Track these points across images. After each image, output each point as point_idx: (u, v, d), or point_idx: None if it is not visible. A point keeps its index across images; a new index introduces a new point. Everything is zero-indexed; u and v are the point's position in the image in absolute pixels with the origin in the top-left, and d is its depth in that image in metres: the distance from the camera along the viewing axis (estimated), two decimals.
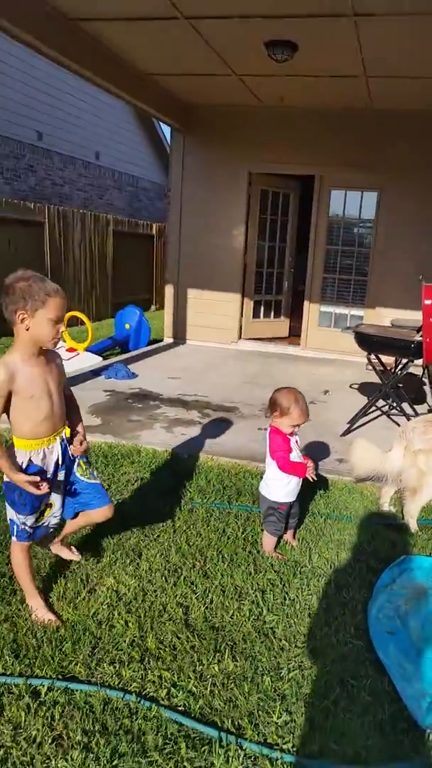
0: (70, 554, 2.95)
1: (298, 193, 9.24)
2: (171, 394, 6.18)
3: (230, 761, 1.92)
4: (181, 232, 8.89)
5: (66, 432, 2.54)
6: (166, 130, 19.19)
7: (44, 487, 2.36)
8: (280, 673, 2.33)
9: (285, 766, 1.92)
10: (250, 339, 9.15)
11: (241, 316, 9.07)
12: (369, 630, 2.59)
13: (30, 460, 2.41)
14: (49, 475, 2.47)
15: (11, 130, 12.10)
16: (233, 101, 7.99)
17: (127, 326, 8.80)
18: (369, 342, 5.12)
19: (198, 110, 8.40)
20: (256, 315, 9.30)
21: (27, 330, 2.25)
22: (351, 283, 8.61)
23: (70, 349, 7.57)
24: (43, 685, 2.21)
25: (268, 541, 3.21)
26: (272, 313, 9.52)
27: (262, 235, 9.01)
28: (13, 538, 2.53)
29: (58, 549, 2.93)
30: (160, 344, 9.11)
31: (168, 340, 9.31)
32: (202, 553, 3.16)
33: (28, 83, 12.27)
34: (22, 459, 2.40)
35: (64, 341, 7.66)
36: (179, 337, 9.25)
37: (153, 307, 14.31)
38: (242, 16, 5.07)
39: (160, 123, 17.39)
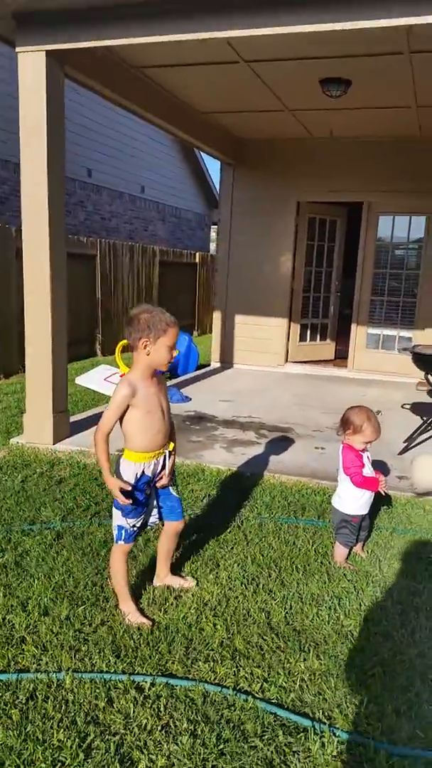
0: (183, 582, 3.08)
1: (345, 219, 9.48)
2: (225, 416, 6.40)
3: (326, 746, 2.09)
4: (230, 261, 9.22)
5: (170, 446, 2.82)
6: (208, 161, 19.82)
7: (128, 500, 2.63)
8: (363, 668, 2.49)
9: (376, 751, 2.07)
10: (296, 362, 9.35)
11: (288, 339, 9.29)
12: None
13: (143, 471, 2.70)
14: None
15: (65, 168, 12.72)
16: (284, 135, 8.32)
17: (176, 352, 9.07)
18: (426, 361, 5.27)
19: (248, 144, 8.77)
20: (302, 338, 9.51)
21: (148, 355, 2.56)
22: (399, 305, 8.76)
23: (123, 375, 7.88)
24: (146, 681, 2.41)
25: (339, 551, 3.37)
26: (318, 337, 9.72)
27: (309, 260, 9.26)
28: (120, 542, 2.78)
29: (169, 580, 3.08)
30: (208, 368, 9.38)
31: (215, 364, 9.57)
32: (276, 564, 3.34)
33: (78, 122, 12.93)
34: (136, 470, 2.68)
35: (118, 367, 8.02)
36: (226, 361, 9.51)
37: (195, 333, 14.66)
38: (300, 57, 5.37)
39: (203, 155, 18.00)
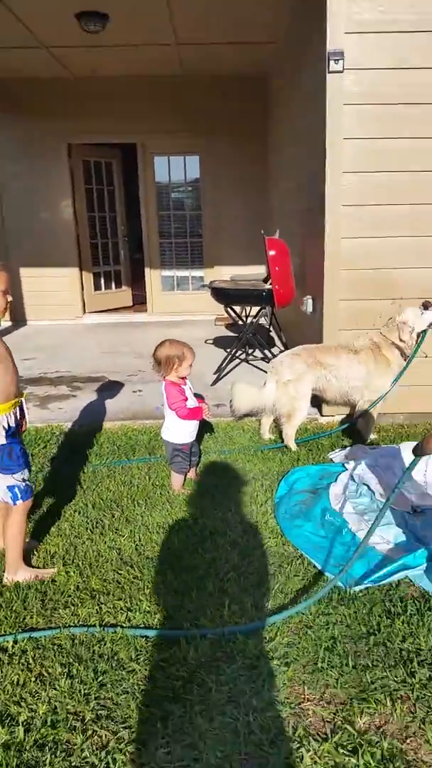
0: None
1: (121, 161, 9.33)
2: (31, 374, 6.12)
3: (198, 649, 2.22)
4: (4, 210, 8.58)
5: (24, 394, 2.74)
6: None
7: None
8: (219, 576, 2.66)
9: (242, 638, 2.26)
10: (95, 312, 9.19)
11: (82, 290, 9.06)
12: (281, 528, 3.02)
13: (8, 422, 2.57)
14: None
15: None
16: (44, 74, 7.82)
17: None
18: (226, 295, 5.55)
19: (7, 84, 8.08)
20: (97, 287, 9.34)
21: None
22: (187, 245, 9.01)
23: None
24: (7, 641, 2.31)
25: (176, 479, 3.50)
26: (113, 284, 9.62)
27: (91, 205, 9.01)
28: (18, 503, 2.65)
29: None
30: None
31: (5, 323, 8.98)
32: (117, 504, 3.36)
33: None
34: (2, 422, 2.55)
35: None
36: (18, 320, 8.99)
37: None
38: None
39: None
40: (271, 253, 4.99)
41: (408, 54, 3.85)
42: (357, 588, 2.54)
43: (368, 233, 4.16)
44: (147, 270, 9.02)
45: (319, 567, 2.72)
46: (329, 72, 3.81)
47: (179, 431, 3.44)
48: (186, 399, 3.39)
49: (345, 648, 2.22)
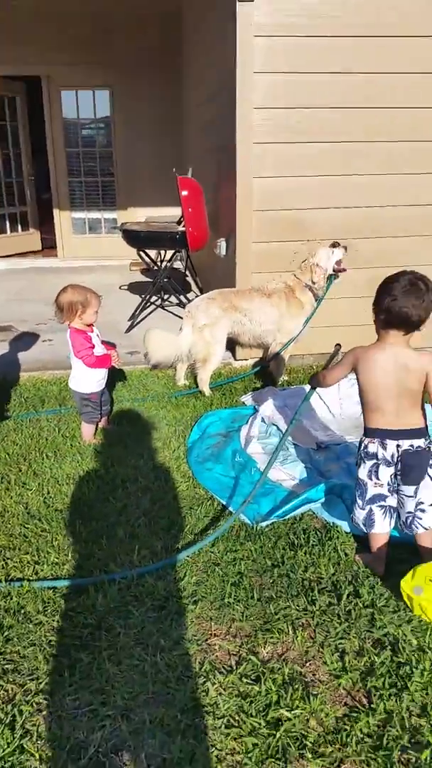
0: None
1: (25, 96, 8.68)
2: None
3: (107, 596, 2.22)
4: None
5: None
6: None
7: None
8: (130, 522, 2.66)
9: (151, 580, 2.28)
10: (0, 257, 8.70)
11: None
12: (192, 471, 3.04)
13: None
14: None
15: None
16: None
17: None
18: (137, 238, 5.36)
19: None
20: (2, 230, 8.81)
21: None
22: (99, 185, 8.61)
23: None
24: None
25: (86, 430, 3.43)
26: (20, 226, 9.10)
27: None
28: None
29: None
30: None
31: None
32: (25, 458, 3.26)
33: None
34: None
35: None
36: None
37: None
38: None
39: None
40: (184, 193, 4.84)
41: None
42: (263, 523, 2.60)
43: (279, 173, 4.09)
44: (56, 211, 8.58)
45: (229, 507, 2.76)
46: (240, 1, 3.62)
47: (87, 380, 3.34)
48: (93, 347, 3.28)
49: (251, 582, 2.28)
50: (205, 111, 5.60)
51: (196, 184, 4.96)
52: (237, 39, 3.75)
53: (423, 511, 2.22)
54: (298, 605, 2.16)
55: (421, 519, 2.22)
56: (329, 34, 3.81)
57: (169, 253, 5.63)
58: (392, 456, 2.20)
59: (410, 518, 2.24)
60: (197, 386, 4.09)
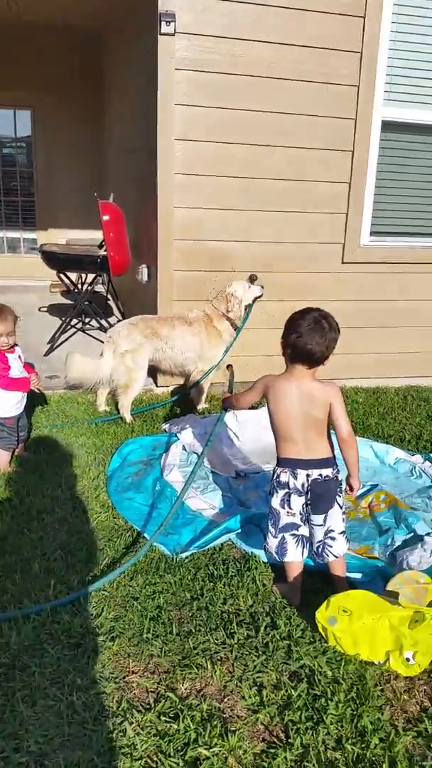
0: None
1: None
2: None
3: (21, 633, 2.14)
4: None
5: None
6: None
7: None
8: (45, 555, 2.58)
9: (67, 617, 2.22)
10: None
11: None
12: (112, 501, 3.00)
13: None
14: None
15: None
16: None
17: None
18: (57, 260, 5.28)
19: None
20: None
21: None
22: (18, 205, 8.43)
23: None
24: None
25: (1, 457, 3.31)
26: None
27: None
28: None
29: None
30: None
31: None
32: None
33: None
34: None
35: None
36: None
37: None
38: None
39: None
40: (105, 218, 4.84)
41: (238, 23, 3.86)
42: (183, 555, 2.61)
43: (200, 203, 4.18)
44: None
45: (148, 537, 2.74)
46: (161, 34, 3.71)
47: (2, 404, 3.24)
48: (8, 368, 3.19)
49: (170, 616, 2.27)
50: (128, 137, 5.65)
51: (118, 209, 4.98)
52: (158, 70, 3.84)
53: (333, 539, 2.30)
54: (216, 639, 2.17)
55: (331, 547, 2.31)
56: (249, 73, 3.97)
57: (91, 276, 5.59)
58: (302, 485, 2.27)
59: (321, 547, 2.32)
60: (118, 412, 4.06)
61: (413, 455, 3.64)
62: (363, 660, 2.07)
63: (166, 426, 3.92)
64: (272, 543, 2.36)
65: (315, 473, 2.26)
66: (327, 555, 2.33)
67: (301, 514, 2.32)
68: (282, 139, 4.17)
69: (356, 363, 4.82)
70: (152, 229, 4.36)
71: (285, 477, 2.29)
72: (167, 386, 4.62)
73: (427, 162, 4.58)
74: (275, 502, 2.34)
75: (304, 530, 2.34)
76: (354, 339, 4.72)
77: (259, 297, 4.21)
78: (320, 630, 2.13)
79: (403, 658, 2.02)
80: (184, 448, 3.51)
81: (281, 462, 2.32)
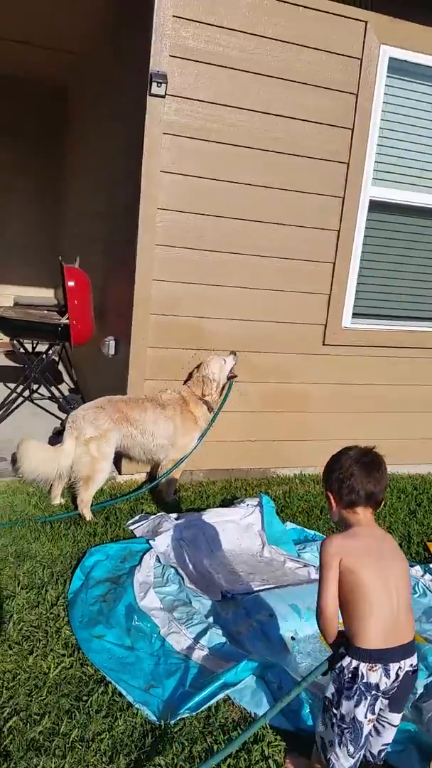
0: None
1: None
2: None
3: None
4: None
5: None
6: None
7: None
8: None
9: None
10: None
11: None
12: (77, 639, 2.44)
13: None
14: None
15: None
16: None
17: None
18: (12, 326, 4.74)
19: None
20: None
21: None
22: None
23: None
24: None
25: None
26: None
27: None
28: None
29: None
30: None
31: None
32: None
33: None
34: None
35: None
36: None
37: None
38: None
39: None
40: (70, 284, 4.39)
41: (233, 91, 3.62)
42: (172, 721, 2.09)
43: (181, 278, 3.81)
44: None
45: (127, 695, 2.20)
46: (150, 95, 3.41)
47: None
48: None
49: None
50: (96, 198, 5.29)
51: (84, 275, 4.55)
52: (145, 133, 3.51)
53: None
54: None
55: (389, 748, 1.87)
56: (244, 144, 3.72)
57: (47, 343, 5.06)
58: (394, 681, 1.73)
59: (383, 751, 1.84)
60: (76, 508, 3.51)
61: (412, 566, 3.26)
62: None
63: (134, 528, 3.40)
64: (347, 764, 1.74)
65: (407, 664, 1.72)
66: (383, 759, 1.86)
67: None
68: (269, 214, 3.90)
69: (332, 449, 4.48)
70: (123, 299, 3.95)
71: (375, 676, 1.69)
72: (132, 474, 4.11)
73: (412, 245, 4.43)
74: (360, 712, 1.69)
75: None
76: (331, 423, 4.41)
77: (234, 366, 3.89)
78: None
79: None
80: (158, 560, 3.00)
81: (365, 655, 1.68)
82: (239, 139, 3.71)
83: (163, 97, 3.41)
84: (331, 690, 1.74)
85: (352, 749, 1.72)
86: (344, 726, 1.71)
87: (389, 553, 1.78)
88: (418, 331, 4.52)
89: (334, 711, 1.73)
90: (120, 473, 4.09)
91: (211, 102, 3.59)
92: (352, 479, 1.80)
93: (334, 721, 1.73)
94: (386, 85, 4.00)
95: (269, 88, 3.70)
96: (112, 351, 4.23)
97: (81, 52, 5.97)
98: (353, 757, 1.74)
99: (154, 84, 3.33)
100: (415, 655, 1.73)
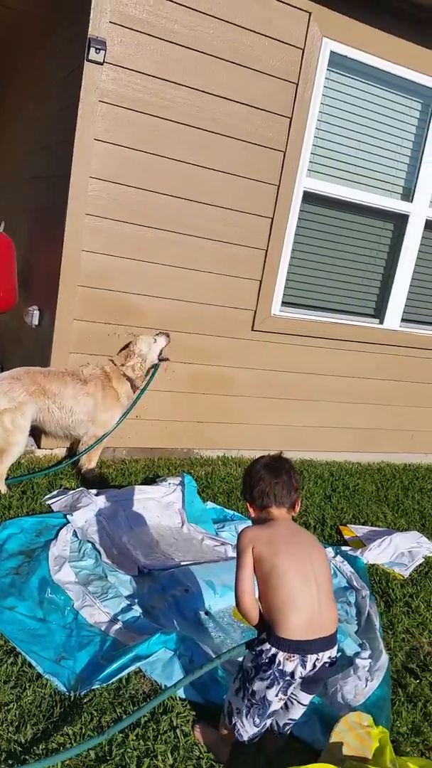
0: None
1: None
2: None
3: None
4: None
5: None
6: None
7: None
8: None
9: None
10: None
11: None
12: None
13: None
14: None
15: None
16: None
17: None
18: None
19: None
20: None
21: None
22: None
23: None
24: None
25: None
26: None
27: None
28: None
29: None
30: None
31: None
32: None
33: None
34: None
35: None
36: None
37: None
38: None
39: None
40: None
41: (174, 66, 3.56)
42: (82, 692, 2.07)
43: (112, 250, 3.74)
44: None
45: (37, 666, 2.16)
46: (87, 60, 3.30)
47: None
48: None
49: None
50: (28, 163, 5.08)
51: (9, 241, 4.37)
52: (80, 99, 3.41)
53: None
54: None
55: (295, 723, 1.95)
56: (180, 121, 3.68)
57: None
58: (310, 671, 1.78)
59: (288, 724, 1.92)
60: None
61: (324, 548, 3.38)
62: None
63: (51, 502, 3.33)
64: (251, 731, 1.82)
65: (325, 656, 1.76)
66: (287, 732, 1.94)
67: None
68: (205, 195, 3.89)
69: (255, 434, 4.57)
70: (50, 269, 3.83)
71: (291, 665, 1.73)
72: (52, 449, 4.01)
73: (341, 239, 4.55)
74: (271, 693, 1.75)
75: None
76: (255, 408, 4.49)
77: (165, 347, 3.87)
78: None
79: None
80: (75, 535, 2.96)
81: (284, 644, 1.71)
82: (177, 115, 3.67)
83: (101, 64, 3.32)
84: (248, 664, 1.79)
85: (258, 720, 1.80)
86: (254, 701, 1.78)
87: (307, 543, 1.85)
88: (342, 324, 4.66)
89: (247, 685, 1.78)
90: (39, 447, 3.99)
91: (151, 75, 3.53)
92: (261, 483, 1.87)
93: (245, 693, 1.79)
94: (326, 78, 4.07)
95: (211, 68, 3.68)
96: (36, 321, 4.11)
97: (21, 9, 5.70)
98: (257, 727, 1.81)
99: (92, 50, 3.23)
100: (336, 647, 1.78)
